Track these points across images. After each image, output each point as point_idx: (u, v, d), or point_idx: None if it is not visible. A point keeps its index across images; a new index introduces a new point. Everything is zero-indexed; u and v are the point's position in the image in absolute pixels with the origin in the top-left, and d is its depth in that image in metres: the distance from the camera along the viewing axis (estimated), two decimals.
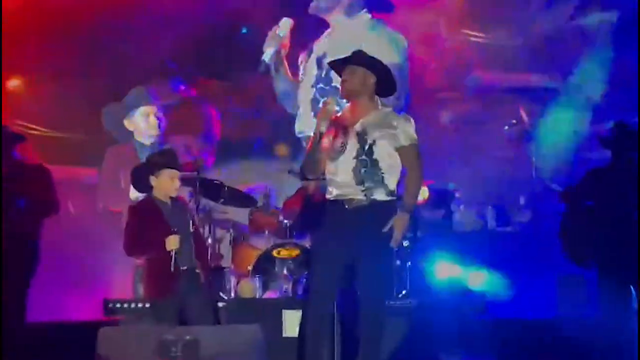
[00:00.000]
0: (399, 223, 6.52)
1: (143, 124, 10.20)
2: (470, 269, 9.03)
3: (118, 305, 8.61)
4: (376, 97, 6.80)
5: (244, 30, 11.09)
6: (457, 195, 10.08)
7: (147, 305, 8.33)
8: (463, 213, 9.99)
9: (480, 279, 8.99)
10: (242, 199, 9.44)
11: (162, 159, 7.35)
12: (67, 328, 8.34)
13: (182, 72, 10.90)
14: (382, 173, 6.60)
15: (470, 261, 9.04)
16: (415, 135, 6.67)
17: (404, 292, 8.72)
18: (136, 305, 8.59)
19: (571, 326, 8.02)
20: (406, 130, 6.65)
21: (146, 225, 7.16)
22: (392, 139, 6.62)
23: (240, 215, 9.82)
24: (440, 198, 9.96)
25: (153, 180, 7.28)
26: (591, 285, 8.26)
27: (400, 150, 6.63)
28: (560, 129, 10.23)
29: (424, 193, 9.53)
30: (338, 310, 6.92)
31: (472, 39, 10.83)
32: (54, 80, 10.61)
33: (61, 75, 10.55)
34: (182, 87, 10.92)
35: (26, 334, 7.60)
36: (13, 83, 10.94)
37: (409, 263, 8.82)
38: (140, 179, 7.35)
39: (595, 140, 8.26)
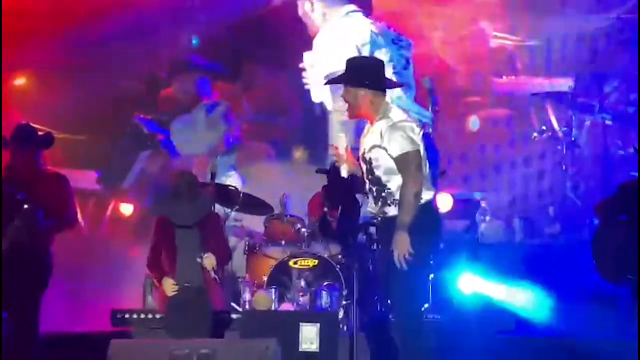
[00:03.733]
0: (396, 243, 6.35)
1: None
2: (496, 283, 8.70)
3: (126, 315, 8.52)
4: (384, 105, 6.55)
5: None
6: (483, 204, 9.78)
7: (156, 316, 8.27)
8: (489, 224, 9.69)
9: (508, 294, 8.66)
10: (258, 206, 9.17)
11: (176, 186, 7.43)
12: (74, 339, 8.25)
13: (206, 69, 10.72)
14: (389, 189, 6.47)
15: (497, 275, 8.71)
16: (405, 144, 6.39)
17: (425, 305, 8.38)
18: (145, 316, 8.50)
19: (603, 347, 7.72)
20: (393, 140, 6.41)
21: (160, 243, 7.35)
22: (384, 152, 6.46)
23: (255, 223, 9.54)
24: (465, 208, 9.68)
25: None
26: (623, 304, 8.02)
27: (394, 162, 6.45)
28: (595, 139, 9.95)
29: (448, 203, 9.21)
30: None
31: (502, 41, 10.58)
32: (57, 79, 10.50)
33: (65, 75, 10.43)
34: (206, 87, 10.76)
35: (37, 345, 7.39)
36: (18, 82, 10.79)
37: (432, 276, 8.48)
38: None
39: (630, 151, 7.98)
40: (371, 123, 6.56)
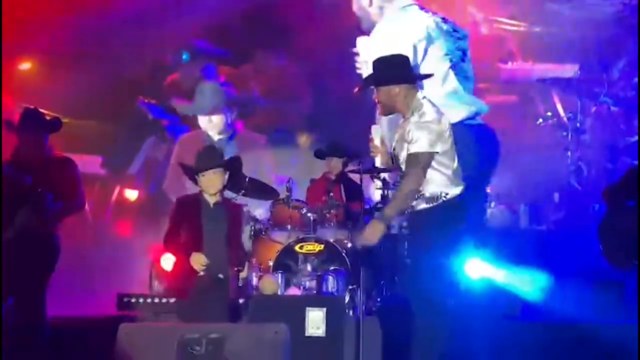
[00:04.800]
0: (369, 229, 6.53)
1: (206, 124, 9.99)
2: (502, 268, 8.69)
3: (133, 300, 8.51)
4: (416, 101, 6.66)
5: None
6: (488, 190, 9.75)
7: (163, 300, 8.25)
8: (494, 210, 9.67)
9: (514, 280, 8.65)
10: (264, 190, 9.12)
11: (201, 160, 7.31)
12: (80, 323, 8.25)
13: (212, 55, 10.68)
14: None
15: (502, 260, 8.70)
16: (423, 144, 6.54)
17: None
18: (152, 300, 8.50)
19: (608, 332, 7.73)
20: (415, 138, 6.56)
21: (184, 222, 7.23)
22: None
23: (261, 207, 9.51)
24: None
25: (199, 180, 7.30)
26: (629, 289, 8.05)
27: (406, 157, 6.62)
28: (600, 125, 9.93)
29: None
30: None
31: (507, 27, 10.55)
32: (62, 64, 10.46)
33: (72, 60, 10.41)
34: (212, 73, 10.71)
35: (45, 329, 7.42)
36: (24, 67, 10.76)
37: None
38: (191, 178, 7.40)
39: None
40: (404, 118, 6.71)
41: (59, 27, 10.34)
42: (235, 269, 7.33)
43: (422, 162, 6.50)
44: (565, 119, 10.17)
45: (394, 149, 6.80)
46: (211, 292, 7.13)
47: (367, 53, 8.52)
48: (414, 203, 6.58)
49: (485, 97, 10.39)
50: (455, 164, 6.68)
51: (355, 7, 8.77)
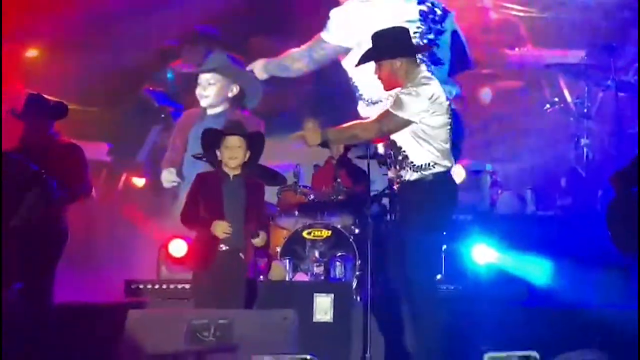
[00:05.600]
0: (305, 130, 6.56)
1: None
2: (509, 254, 8.67)
3: (141, 286, 8.42)
4: (419, 73, 6.58)
5: None
6: (494, 176, 9.73)
7: (171, 286, 8.22)
8: (501, 195, 9.65)
9: (520, 265, 8.63)
10: (271, 176, 9.10)
11: (228, 127, 7.23)
12: (87, 309, 8.19)
13: (216, 40, 10.61)
14: (404, 151, 6.52)
15: (510, 246, 8.69)
16: (396, 107, 6.44)
17: (438, 276, 8.37)
18: (160, 286, 8.40)
19: (614, 317, 7.70)
20: (398, 98, 6.48)
21: (203, 197, 7.06)
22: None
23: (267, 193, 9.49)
24: (478, 179, 9.63)
25: (219, 154, 7.13)
26: (636, 274, 7.97)
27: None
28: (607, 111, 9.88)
29: (460, 174, 9.19)
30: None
31: (514, 12, 10.51)
32: (69, 50, 10.44)
33: (76, 45, 10.37)
34: None
35: (51, 315, 7.39)
36: (30, 53, 10.74)
37: (445, 247, 8.47)
38: (209, 153, 7.22)
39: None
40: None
41: (66, 14, 10.29)
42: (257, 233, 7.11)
43: (387, 122, 6.43)
44: (572, 104, 10.15)
45: None
46: (231, 268, 7.00)
47: (335, 25, 8.61)
48: (402, 172, 6.52)
49: (492, 82, 10.40)
50: (449, 143, 6.61)
51: None
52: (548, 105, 10.12)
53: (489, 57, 10.41)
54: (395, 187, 6.68)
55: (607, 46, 10.01)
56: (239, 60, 9.79)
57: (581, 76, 10.01)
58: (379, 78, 6.68)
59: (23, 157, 7.23)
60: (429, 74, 6.69)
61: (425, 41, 8.39)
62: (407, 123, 6.42)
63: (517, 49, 10.70)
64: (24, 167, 7.17)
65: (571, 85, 10.33)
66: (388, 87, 6.72)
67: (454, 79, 8.83)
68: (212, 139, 7.16)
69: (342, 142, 6.65)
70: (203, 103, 9.57)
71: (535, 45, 10.70)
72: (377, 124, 6.50)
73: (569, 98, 10.30)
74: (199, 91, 9.60)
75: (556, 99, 10.15)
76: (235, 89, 9.53)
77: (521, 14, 10.66)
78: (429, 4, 8.62)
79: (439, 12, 8.63)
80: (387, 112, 6.47)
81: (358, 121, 6.68)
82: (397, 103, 6.43)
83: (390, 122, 6.44)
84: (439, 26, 8.58)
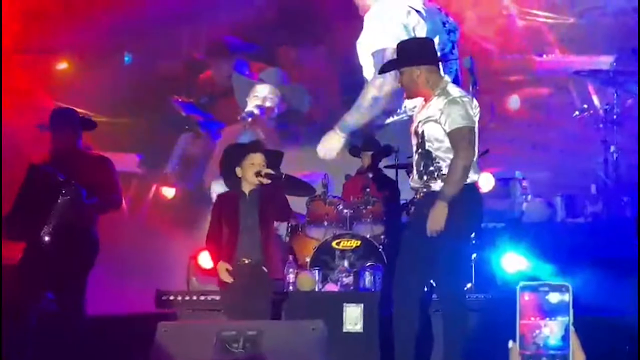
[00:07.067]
0: (434, 214, 6.30)
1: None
2: (539, 262, 8.61)
3: (171, 297, 8.40)
4: (441, 83, 6.54)
5: None
6: (524, 184, 9.68)
7: (201, 297, 8.24)
8: (531, 203, 9.59)
9: (551, 273, 8.57)
10: (301, 187, 9.11)
11: (243, 147, 7.20)
12: (118, 321, 8.26)
13: (246, 52, 10.67)
14: (437, 163, 6.42)
15: (540, 254, 8.62)
16: (460, 120, 6.34)
17: (469, 285, 8.33)
18: (190, 297, 8.38)
19: None
20: (450, 114, 6.36)
21: (222, 218, 7.02)
22: (439, 126, 6.40)
23: (297, 204, 9.49)
24: (507, 187, 9.59)
25: (239, 171, 7.07)
26: None
27: (448, 136, 6.39)
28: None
29: (489, 182, 9.15)
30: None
31: (542, 19, 10.45)
32: (99, 63, 10.45)
33: (106, 57, 10.38)
34: (246, 71, 10.70)
35: (84, 326, 7.39)
36: (59, 66, 10.80)
37: (475, 255, 8.43)
38: (228, 175, 7.15)
39: None
40: (427, 100, 6.53)
41: (95, 26, 10.35)
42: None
43: (466, 136, 6.29)
44: (601, 111, 10.07)
45: (416, 129, 6.54)
46: (253, 282, 6.94)
47: (359, 45, 8.60)
48: (431, 183, 6.42)
49: (520, 89, 10.35)
50: (477, 152, 6.52)
51: None
52: (577, 112, 10.05)
53: (517, 64, 10.35)
54: (418, 196, 6.64)
55: (635, 51, 9.92)
56: (285, 75, 9.88)
57: (610, 82, 9.93)
58: (402, 86, 6.67)
59: (51, 168, 7.28)
60: (451, 84, 6.67)
61: (448, 50, 8.41)
62: (472, 129, 6.37)
63: (545, 55, 10.65)
64: (51, 176, 7.20)
65: (600, 92, 10.26)
66: (409, 95, 6.73)
67: None
68: (236, 156, 7.13)
69: (459, 186, 6.45)
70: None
71: (563, 52, 10.63)
72: (460, 145, 6.30)
73: (598, 104, 10.23)
74: (254, 103, 9.70)
75: (585, 106, 10.07)
76: (283, 104, 9.64)
77: (548, 20, 10.59)
78: (444, 15, 8.64)
79: (452, 23, 8.65)
80: (452, 133, 6.34)
81: (452, 166, 6.31)
82: (451, 118, 6.34)
83: (465, 135, 6.31)
84: (453, 37, 8.59)
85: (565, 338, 2.41)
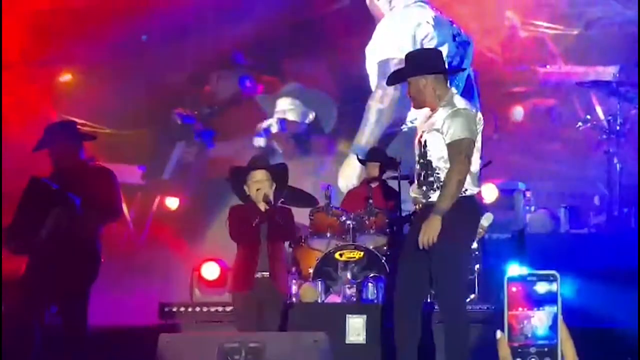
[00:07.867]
0: (427, 226, 6.31)
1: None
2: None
3: (174, 309, 8.43)
4: (448, 94, 6.52)
5: None
6: (528, 195, 9.66)
7: (204, 309, 8.23)
8: (534, 214, 9.56)
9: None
10: (303, 198, 9.11)
11: (252, 161, 7.25)
12: (122, 331, 8.26)
13: (249, 66, 10.71)
14: (437, 173, 6.42)
15: (543, 265, 8.58)
16: (460, 132, 6.35)
17: (472, 296, 8.32)
18: (193, 309, 8.41)
19: None
20: (451, 126, 6.37)
21: (239, 231, 7.10)
22: (441, 136, 6.41)
23: (299, 215, 9.49)
24: (510, 198, 9.57)
25: (246, 189, 7.14)
26: None
27: (447, 147, 6.40)
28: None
29: (493, 193, 9.13)
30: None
31: (543, 30, 10.44)
32: (103, 77, 10.48)
33: (110, 72, 10.44)
34: (249, 84, 10.72)
35: (87, 337, 7.37)
36: (64, 78, 10.84)
37: (478, 266, 8.42)
38: (240, 194, 7.22)
39: None
40: (433, 110, 6.53)
41: (99, 39, 10.39)
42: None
43: (464, 149, 6.29)
44: (604, 122, 10.05)
45: (419, 139, 6.55)
46: (263, 294, 7.05)
47: (371, 54, 8.63)
48: (430, 194, 6.42)
49: (524, 100, 10.35)
50: (479, 165, 6.54)
51: (367, 2, 8.83)
52: (580, 123, 10.03)
53: (520, 75, 10.35)
54: (418, 207, 6.63)
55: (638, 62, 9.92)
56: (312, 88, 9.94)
57: (613, 93, 9.92)
58: (410, 96, 6.66)
59: (47, 179, 7.29)
60: (457, 95, 6.66)
61: (457, 63, 8.43)
62: (472, 142, 6.36)
63: (548, 66, 10.64)
64: (45, 187, 7.21)
65: (603, 102, 10.25)
66: (416, 105, 6.71)
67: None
68: (240, 175, 7.19)
69: (452, 200, 6.43)
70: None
71: (566, 63, 10.63)
72: (456, 159, 6.31)
73: (601, 115, 10.22)
74: (278, 116, 9.76)
75: (588, 117, 10.06)
76: (311, 115, 9.66)
77: (551, 31, 10.59)
78: (457, 29, 8.66)
79: (462, 36, 8.68)
80: (452, 144, 6.34)
81: (446, 179, 6.32)
82: (452, 129, 6.34)
83: (463, 148, 6.31)
84: (462, 51, 8.61)
85: (553, 328, 2.37)
